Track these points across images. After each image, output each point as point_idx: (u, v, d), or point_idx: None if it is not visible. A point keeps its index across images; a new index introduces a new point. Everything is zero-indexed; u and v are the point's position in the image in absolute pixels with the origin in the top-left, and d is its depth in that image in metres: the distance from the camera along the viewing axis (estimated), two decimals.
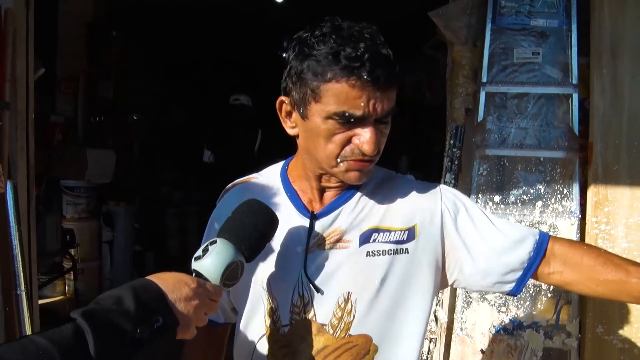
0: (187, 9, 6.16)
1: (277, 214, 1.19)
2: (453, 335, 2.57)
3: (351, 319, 1.21)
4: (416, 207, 1.26)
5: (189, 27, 6.77)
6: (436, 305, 2.62)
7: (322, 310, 1.21)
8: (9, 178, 2.51)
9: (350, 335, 1.21)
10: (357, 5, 6.41)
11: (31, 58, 2.74)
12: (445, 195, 1.29)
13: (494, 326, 2.54)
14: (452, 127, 2.67)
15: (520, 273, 1.26)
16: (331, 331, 1.21)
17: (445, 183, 2.64)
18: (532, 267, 1.26)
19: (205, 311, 1.03)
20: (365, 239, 1.23)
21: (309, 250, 1.22)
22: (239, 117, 5.17)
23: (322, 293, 1.21)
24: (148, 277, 1.00)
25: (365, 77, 1.07)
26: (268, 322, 1.26)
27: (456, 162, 2.64)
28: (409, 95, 6.63)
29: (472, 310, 2.55)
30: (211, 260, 1.06)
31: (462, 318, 2.55)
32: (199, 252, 1.08)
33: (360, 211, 1.25)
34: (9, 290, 2.47)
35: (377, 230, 1.23)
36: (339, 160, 1.16)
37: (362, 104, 1.09)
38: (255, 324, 1.28)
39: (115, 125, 5.62)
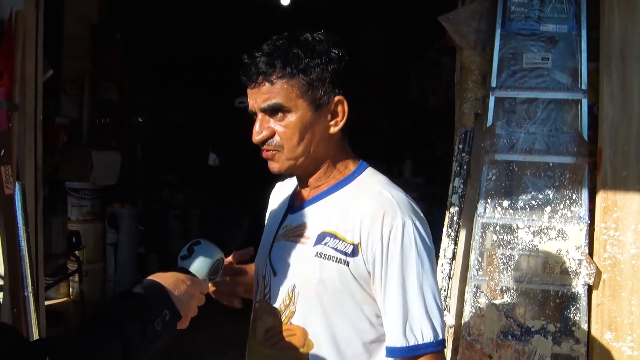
0: (190, 9, 6.17)
1: (282, 206, 1.46)
2: (461, 341, 2.55)
3: (294, 309, 1.33)
4: (365, 227, 1.26)
5: (191, 28, 6.77)
6: (444, 310, 2.61)
7: (276, 295, 1.36)
8: (17, 180, 2.51)
9: (291, 324, 1.33)
10: (359, 10, 6.44)
11: (40, 60, 2.74)
12: (395, 234, 1.24)
13: (501, 331, 2.52)
14: (461, 131, 2.66)
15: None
16: (279, 315, 1.35)
17: (453, 188, 2.63)
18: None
19: (197, 304, 1.20)
20: (319, 240, 1.31)
21: (276, 239, 1.40)
22: (244, 120, 5.15)
23: (276, 277, 1.36)
24: (151, 278, 1.15)
25: (244, 78, 1.30)
26: (255, 297, 1.45)
27: (465, 167, 2.63)
28: (412, 99, 6.63)
29: (480, 315, 2.54)
30: (197, 259, 1.23)
31: (469, 323, 2.54)
32: (184, 252, 1.25)
33: (325, 213, 1.34)
34: (16, 291, 2.47)
35: (330, 235, 1.30)
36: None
37: (249, 100, 1.32)
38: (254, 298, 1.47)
39: (119, 127, 5.62)
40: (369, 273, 1.27)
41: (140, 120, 6.10)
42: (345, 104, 1.32)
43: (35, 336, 2.48)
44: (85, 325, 1.03)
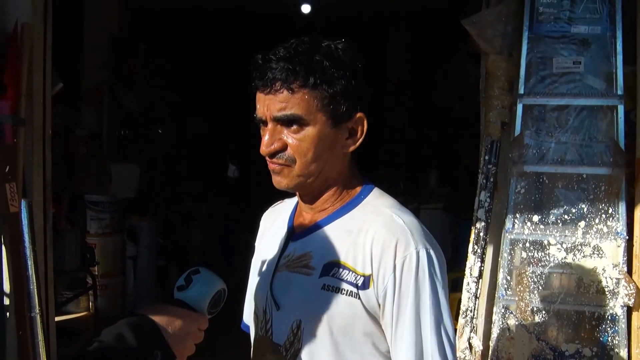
0: (209, 17, 6.15)
1: (280, 231, 1.34)
2: None
3: (300, 346, 1.23)
4: (377, 257, 1.18)
5: (211, 39, 6.76)
6: (470, 331, 2.48)
7: (279, 331, 1.26)
8: (24, 196, 2.44)
9: None
10: (385, 16, 6.35)
11: (49, 72, 2.68)
12: (408, 265, 1.16)
13: (533, 355, 2.41)
14: (487, 142, 2.55)
15: None
16: (284, 353, 1.25)
17: (479, 202, 2.52)
18: None
19: (195, 341, 1.10)
20: (326, 270, 1.22)
21: (277, 269, 1.28)
22: None
23: (279, 312, 1.25)
24: (142, 313, 1.07)
25: (258, 82, 1.18)
26: (254, 331, 1.36)
27: (491, 180, 2.53)
28: (438, 107, 6.53)
29: (509, 337, 2.43)
30: (197, 290, 1.12)
31: (498, 346, 2.43)
32: (182, 282, 1.13)
33: (332, 241, 1.24)
34: (22, 312, 2.39)
35: (338, 265, 1.21)
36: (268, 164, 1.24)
37: (259, 106, 1.20)
38: (252, 332, 1.39)
39: (139, 139, 5.61)
40: (379, 306, 1.19)
41: (160, 131, 6.07)
42: (365, 121, 1.24)
43: (43, 358, 2.41)
44: None
